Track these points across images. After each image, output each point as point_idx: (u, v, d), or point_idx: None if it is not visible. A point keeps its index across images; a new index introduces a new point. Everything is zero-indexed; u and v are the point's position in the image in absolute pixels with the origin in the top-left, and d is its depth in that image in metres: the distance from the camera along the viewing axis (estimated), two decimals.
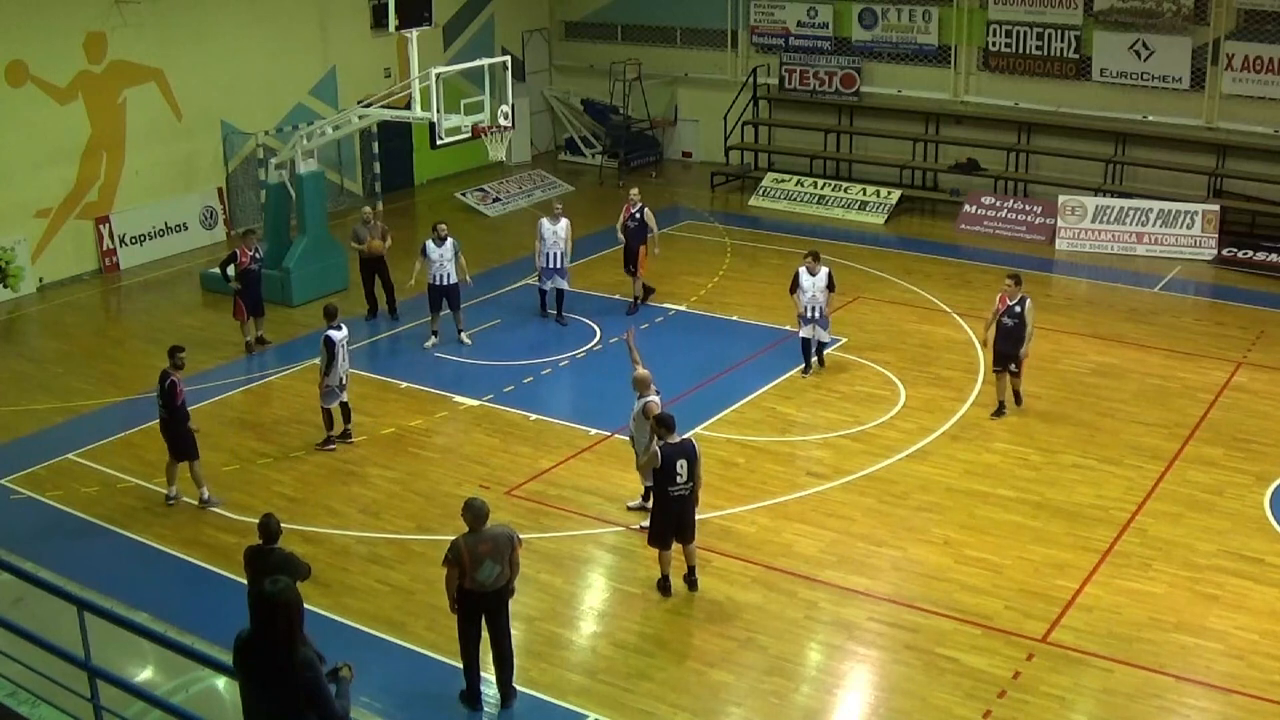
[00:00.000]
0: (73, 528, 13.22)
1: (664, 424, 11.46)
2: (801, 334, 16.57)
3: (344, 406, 15.01)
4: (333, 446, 14.86)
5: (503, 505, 13.56)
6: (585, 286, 20.48)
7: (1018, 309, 14.95)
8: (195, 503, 13.56)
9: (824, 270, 16.28)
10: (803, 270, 16.29)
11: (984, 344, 16.23)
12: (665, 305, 19.46)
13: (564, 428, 15.37)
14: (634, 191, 19.68)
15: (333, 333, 14.50)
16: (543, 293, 18.94)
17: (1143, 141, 23.49)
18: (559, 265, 18.51)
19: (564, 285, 18.73)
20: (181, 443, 13.46)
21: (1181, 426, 15.10)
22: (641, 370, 12.91)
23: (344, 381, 14.77)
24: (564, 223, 18.48)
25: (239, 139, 23.83)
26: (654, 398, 12.57)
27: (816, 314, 16.29)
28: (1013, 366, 15.22)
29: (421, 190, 27.33)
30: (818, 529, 12.94)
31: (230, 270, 17.71)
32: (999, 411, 15.33)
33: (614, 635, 11.32)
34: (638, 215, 18.99)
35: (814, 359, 16.67)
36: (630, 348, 13.60)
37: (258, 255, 17.77)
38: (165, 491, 13.72)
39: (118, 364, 17.90)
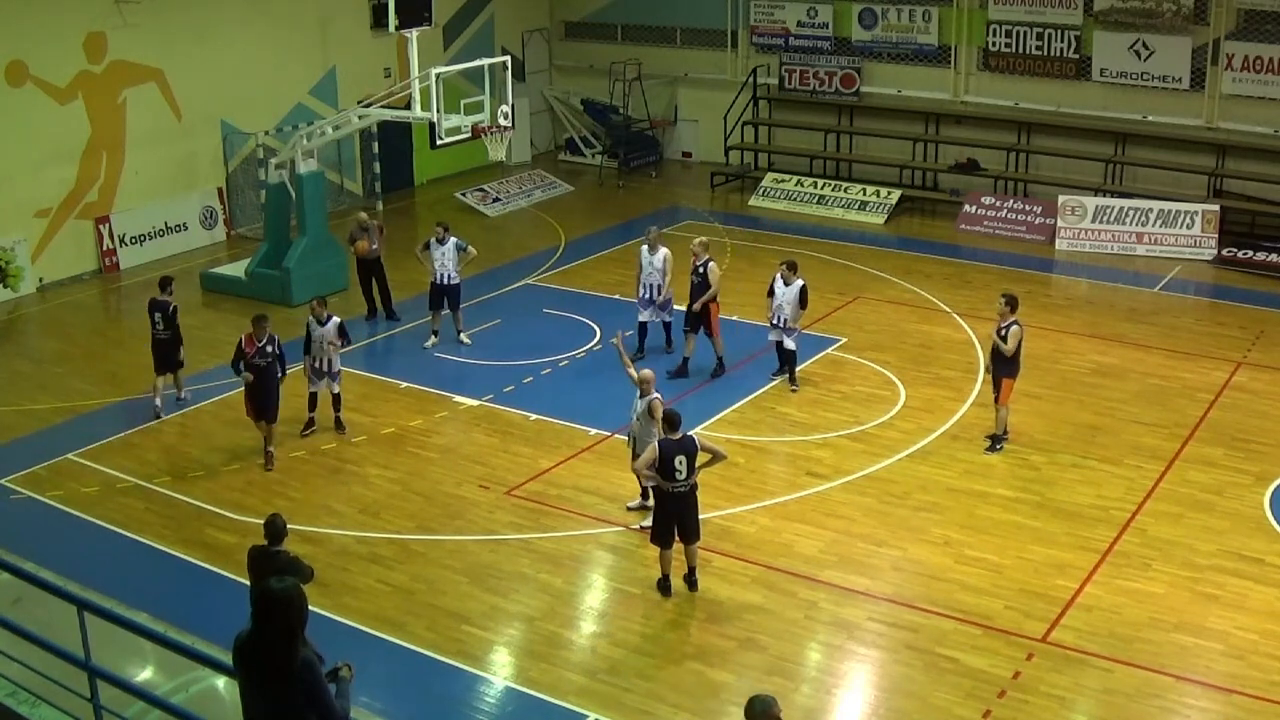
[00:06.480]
0: (73, 528, 13.22)
1: (669, 421, 11.51)
2: (770, 338, 16.47)
3: (335, 397, 15.39)
4: (308, 432, 15.35)
5: (503, 505, 13.58)
6: (585, 286, 20.54)
7: (1003, 332, 14.25)
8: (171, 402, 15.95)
9: (798, 283, 15.95)
10: (777, 278, 16.10)
11: (986, 368, 15.50)
12: None
13: (564, 428, 15.37)
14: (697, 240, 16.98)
15: (309, 321, 15.27)
16: (642, 325, 17.24)
17: (1143, 141, 23.48)
18: (657, 296, 17.00)
19: (667, 318, 17.25)
20: (178, 356, 15.99)
21: (1181, 426, 15.09)
22: (646, 370, 13.03)
23: (324, 369, 15.16)
24: (662, 252, 16.88)
25: (239, 139, 23.83)
26: (657, 395, 12.64)
27: (781, 322, 16.08)
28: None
29: (421, 190, 27.33)
30: (818, 529, 12.94)
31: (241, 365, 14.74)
32: (992, 446, 14.57)
33: (614, 635, 11.32)
34: (701, 269, 16.42)
35: (785, 373, 16.36)
36: (620, 352, 13.66)
37: (269, 348, 14.42)
38: (177, 395, 16.13)
39: (118, 364, 17.89)
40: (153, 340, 15.91)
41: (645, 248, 17.09)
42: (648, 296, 17.11)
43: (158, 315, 15.80)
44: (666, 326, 17.40)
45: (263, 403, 14.45)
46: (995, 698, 10.24)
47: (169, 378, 16.06)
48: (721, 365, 16.78)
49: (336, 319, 15.22)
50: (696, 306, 16.39)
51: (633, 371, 13.12)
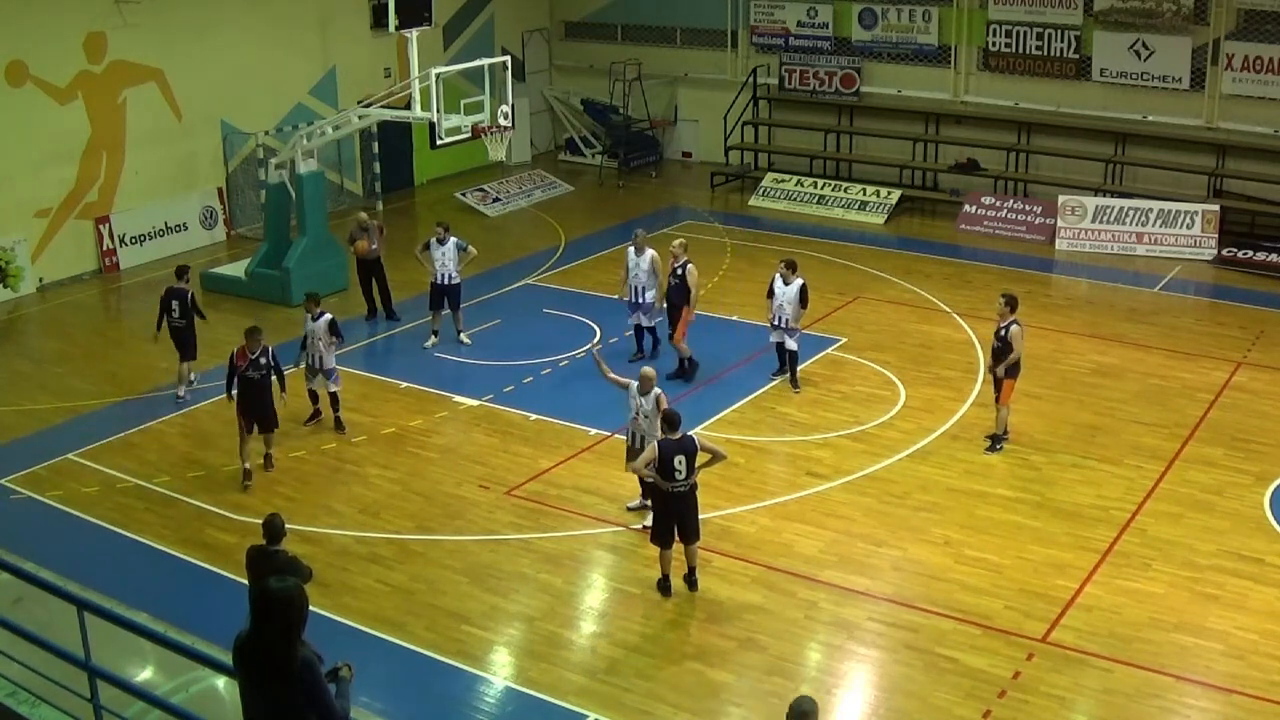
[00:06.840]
0: (73, 528, 13.22)
1: (668, 421, 11.52)
2: (771, 339, 16.45)
3: (333, 397, 15.42)
4: (312, 422, 15.60)
5: (503, 505, 13.58)
6: (585, 286, 20.54)
7: (1002, 332, 14.27)
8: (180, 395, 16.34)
9: (798, 282, 15.95)
10: (777, 278, 16.10)
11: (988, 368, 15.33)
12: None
13: (564, 428, 15.38)
14: (676, 242, 16.89)
15: (306, 319, 15.37)
16: (638, 328, 17.28)
17: (1143, 141, 23.48)
18: (642, 300, 16.96)
19: (649, 323, 17.14)
20: (193, 343, 16.33)
21: (1181, 426, 15.09)
22: (648, 367, 13.11)
23: (315, 365, 15.25)
24: (649, 254, 16.83)
25: (239, 139, 23.83)
26: (660, 390, 12.76)
27: (783, 322, 16.09)
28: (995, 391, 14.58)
29: (421, 190, 27.33)
30: (818, 529, 12.95)
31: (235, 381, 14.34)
32: (993, 446, 14.58)
33: (614, 635, 11.32)
34: (680, 270, 16.45)
35: (785, 372, 16.40)
36: (598, 361, 13.72)
37: (262, 360, 14.07)
38: (177, 393, 16.31)
39: (118, 364, 17.90)
40: (170, 329, 16.26)
41: (632, 250, 17.06)
42: (635, 300, 17.08)
43: (174, 303, 16.13)
44: (652, 332, 17.27)
45: (259, 415, 14.23)
46: (995, 698, 10.24)
47: (189, 365, 16.46)
48: (685, 365, 16.57)
49: (328, 315, 15.27)
50: (691, 317, 16.38)
51: (614, 376, 13.30)
